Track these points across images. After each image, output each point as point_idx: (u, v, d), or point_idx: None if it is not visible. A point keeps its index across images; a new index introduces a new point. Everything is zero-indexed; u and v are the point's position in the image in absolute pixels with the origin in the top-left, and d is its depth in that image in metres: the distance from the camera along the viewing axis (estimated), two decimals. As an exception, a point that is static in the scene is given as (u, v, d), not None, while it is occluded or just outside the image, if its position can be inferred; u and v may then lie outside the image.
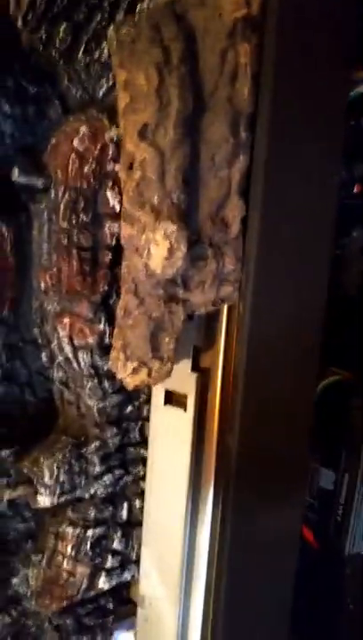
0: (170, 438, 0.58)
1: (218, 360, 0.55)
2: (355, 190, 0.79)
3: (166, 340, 0.48)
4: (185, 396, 0.56)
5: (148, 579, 0.62)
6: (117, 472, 0.69)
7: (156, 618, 0.62)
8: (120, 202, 0.58)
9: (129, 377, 0.49)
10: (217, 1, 0.43)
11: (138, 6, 0.51)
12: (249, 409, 0.53)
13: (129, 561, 0.73)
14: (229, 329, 0.54)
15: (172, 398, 0.58)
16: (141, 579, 0.64)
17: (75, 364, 0.65)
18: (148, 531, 0.62)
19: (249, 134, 0.46)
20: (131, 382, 0.49)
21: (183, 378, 0.56)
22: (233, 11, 0.43)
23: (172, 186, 0.44)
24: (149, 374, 0.49)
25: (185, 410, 0.56)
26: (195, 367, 0.55)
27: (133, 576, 0.73)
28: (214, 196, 0.46)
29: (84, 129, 0.58)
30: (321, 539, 0.74)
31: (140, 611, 0.64)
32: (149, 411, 0.69)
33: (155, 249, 0.43)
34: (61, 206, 0.59)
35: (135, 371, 0.48)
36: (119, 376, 0.49)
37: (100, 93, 0.60)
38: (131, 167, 0.44)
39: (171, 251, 0.44)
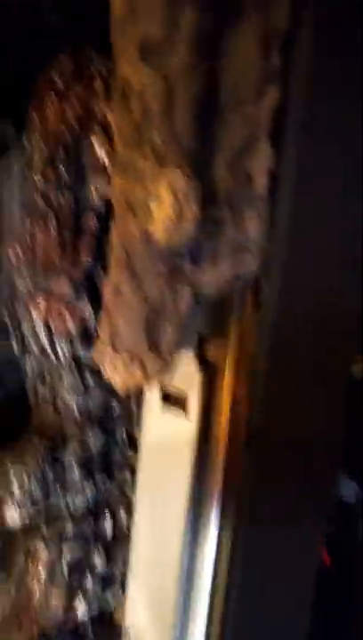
0: (167, 447, 0.47)
1: (229, 351, 0.44)
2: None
3: (167, 328, 0.37)
4: (186, 397, 0.46)
5: (134, 609, 0.53)
6: (100, 479, 0.59)
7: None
8: (109, 151, 0.47)
9: (118, 374, 0.38)
10: None
11: None
12: (269, 414, 0.42)
13: (112, 581, 0.63)
14: (245, 312, 0.43)
15: (170, 398, 0.48)
16: (128, 608, 0.54)
17: (51, 355, 0.54)
18: (136, 553, 0.52)
19: (283, 59, 0.35)
20: (121, 382, 0.39)
21: (184, 374, 0.45)
22: None
23: (181, 123, 0.33)
24: (144, 371, 0.38)
25: (186, 413, 0.46)
26: (199, 361, 0.45)
27: (116, 597, 0.64)
28: (236, 139, 0.35)
29: (65, 60, 0.47)
30: (337, 556, 0.64)
31: (125, 644, 0.55)
32: (138, 407, 0.59)
33: (157, 207, 0.32)
34: (36, 157, 0.47)
35: (126, 367, 0.37)
36: (107, 374, 0.38)
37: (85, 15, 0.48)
38: (126, 97, 0.33)
39: (178, 211, 0.33)
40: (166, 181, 0.32)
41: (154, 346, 0.37)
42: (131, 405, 0.60)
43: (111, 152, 0.47)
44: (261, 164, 0.36)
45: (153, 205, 0.33)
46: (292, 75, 0.36)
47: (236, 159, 0.36)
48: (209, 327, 0.45)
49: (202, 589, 0.48)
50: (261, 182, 0.36)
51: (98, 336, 0.40)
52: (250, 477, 0.44)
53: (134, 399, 0.59)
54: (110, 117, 0.47)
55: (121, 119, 0.33)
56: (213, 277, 0.38)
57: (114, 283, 0.37)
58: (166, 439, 0.48)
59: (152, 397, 0.48)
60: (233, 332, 0.44)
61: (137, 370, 0.38)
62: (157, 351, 0.37)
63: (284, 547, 0.50)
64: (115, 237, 0.36)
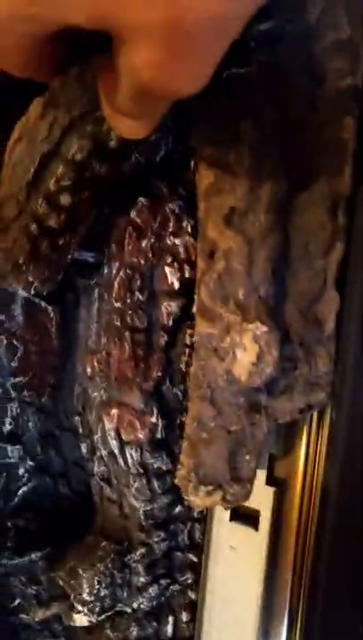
0: (236, 559, 0.49)
1: (297, 469, 0.47)
2: None
3: (247, 457, 0.40)
4: (257, 512, 0.48)
5: None
6: (163, 582, 0.61)
7: None
8: (179, 279, 0.53)
9: (199, 499, 0.41)
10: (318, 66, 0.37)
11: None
12: (337, 533, 0.44)
13: None
14: (311, 433, 0.47)
15: (239, 513, 0.50)
16: None
17: (120, 460, 0.57)
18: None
19: (347, 219, 0.39)
20: (201, 504, 0.42)
21: (256, 490, 0.48)
22: (337, 78, 0.37)
23: (260, 278, 0.38)
24: (224, 497, 0.41)
25: (256, 529, 0.48)
26: (270, 479, 0.47)
27: None
28: (307, 289, 0.39)
29: (142, 199, 0.53)
30: None
31: None
32: (199, 512, 0.61)
33: (241, 354, 0.36)
34: (115, 284, 0.53)
35: (208, 494, 0.40)
36: (188, 497, 0.41)
37: (158, 158, 0.54)
38: (212, 256, 0.38)
39: (260, 356, 0.37)
40: (251, 333, 0.37)
41: (236, 475, 0.40)
42: (194, 510, 0.62)
43: (180, 281, 0.52)
44: (329, 308, 0.40)
45: (239, 352, 0.37)
46: (353, 230, 0.40)
47: (307, 305, 0.40)
48: (279, 447, 0.48)
49: None
50: (330, 325, 0.40)
51: (180, 463, 0.43)
52: (323, 593, 0.46)
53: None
54: (181, 251, 0.52)
55: (208, 275, 0.38)
56: (287, 408, 0.42)
57: (197, 416, 0.40)
58: (235, 552, 0.50)
59: (222, 511, 0.51)
60: (301, 449, 0.47)
61: (218, 496, 0.41)
62: (239, 480, 0.40)
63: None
64: (198, 375, 0.40)
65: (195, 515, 0.62)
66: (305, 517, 0.48)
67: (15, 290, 0.52)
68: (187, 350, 0.53)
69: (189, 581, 0.63)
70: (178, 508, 0.61)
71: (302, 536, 0.48)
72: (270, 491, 0.48)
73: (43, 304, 0.54)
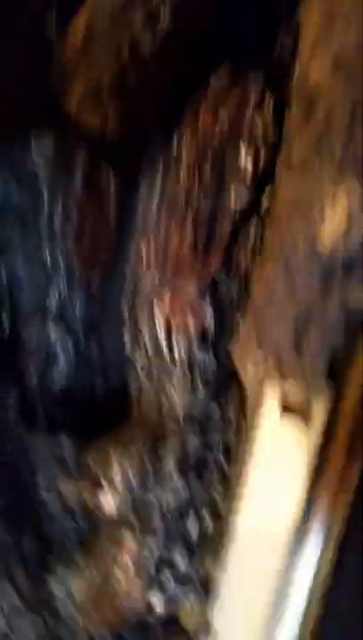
0: (281, 455, 0.48)
1: (358, 368, 0.45)
2: None
3: (313, 333, 0.38)
4: (309, 407, 0.46)
5: (222, 609, 0.53)
6: (192, 480, 0.60)
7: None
8: (253, 165, 0.49)
9: (251, 367, 0.39)
10: None
11: None
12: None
13: (191, 584, 0.64)
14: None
15: (289, 407, 0.49)
16: (215, 607, 0.55)
17: (165, 351, 0.56)
18: (235, 556, 0.53)
19: None
20: (251, 375, 0.40)
21: (309, 384, 0.46)
22: None
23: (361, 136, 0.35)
24: (280, 369, 0.39)
25: (307, 424, 0.47)
26: (329, 373, 0.45)
27: (191, 603, 0.64)
28: None
29: (223, 72, 0.49)
30: None
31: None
32: (236, 414, 0.60)
33: (332, 210, 0.34)
34: (184, 158, 0.49)
35: (264, 361, 0.39)
36: (238, 364, 0.39)
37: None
38: (312, 102, 0.34)
39: (350, 218, 0.34)
40: (345, 187, 0.34)
41: (298, 346, 0.38)
42: (229, 410, 0.61)
43: (255, 165, 0.49)
44: None
45: (328, 207, 0.34)
46: None
47: None
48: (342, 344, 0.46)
49: (296, 601, 0.49)
50: None
51: (241, 328, 0.41)
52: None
53: (236, 409, 0.61)
54: (260, 129, 0.49)
55: (304, 122, 0.35)
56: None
57: (268, 279, 0.38)
58: (281, 446, 0.49)
59: (271, 403, 0.49)
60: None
61: (273, 366, 0.39)
62: (299, 352, 0.38)
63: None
64: (274, 235, 0.38)
65: (231, 417, 0.61)
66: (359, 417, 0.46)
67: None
68: (249, 247, 0.51)
69: (218, 484, 0.63)
70: (213, 407, 0.60)
71: (357, 437, 0.46)
72: (328, 384, 0.46)
73: (104, 164, 0.51)
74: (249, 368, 0.41)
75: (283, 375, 0.40)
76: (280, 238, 0.37)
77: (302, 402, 0.47)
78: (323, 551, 0.48)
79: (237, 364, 0.41)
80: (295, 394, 0.48)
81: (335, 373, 0.46)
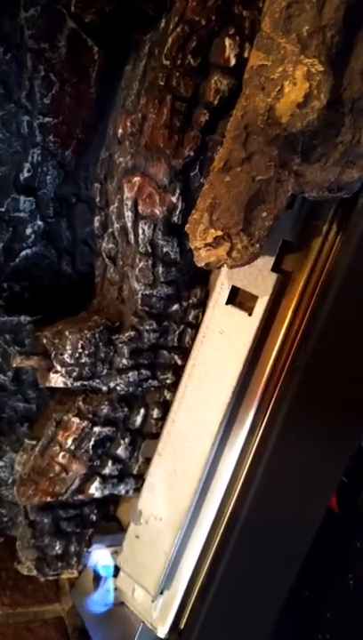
0: (223, 343, 0.53)
1: (306, 265, 0.49)
2: None
3: (264, 214, 0.42)
4: (254, 299, 0.51)
5: (152, 494, 0.59)
6: (144, 372, 0.65)
7: (149, 537, 0.59)
8: (237, 55, 0.52)
9: (205, 249, 0.43)
10: None
11: None
12: (331, 329, 0.47)
13: (128, 474, 0.70)
14: (330, 233, 0.48)
15: (236, 298, 0.53)
16: (144, 492, 0.61)
17: (131, 236, 0.60)
18: (167, 441, 0.58)
19: None
20: (204, 257, 0.44)
21: (258, 276, 0.51)
22: None
23: (330, 20, 0.38)
24: (230, 252, 0.43)
25: (250, 314, 0.51)
26: (277, 267, 0.50)
27: (127, 491, 0.71)
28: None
29: None
30: (347, 504, 0.70)
31: (132, 526, 0.62)
32: (194, 316, 0.65)
33: (289, 88, 0.37)
34: (169, 40, 0.52)
35: (216, 241, 0.43)
36: (193, 244, 0.44)
37: None
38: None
39: (307, 96, 0.37)
40: (305, 68, 0.37)
41: (249, 229, 0.42)
42: (189, 312, 0.66)
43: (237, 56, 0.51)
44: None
45: (287, 85, 0.38)
46: None
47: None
48: (295, 236, 0.50)
49: (221, 480, 0.54)
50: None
51: (195, 208, 0.45)
52: (299, 387, 0.50)
53: (193, 307, 0.65)
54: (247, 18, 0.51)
55: (276, 4, 0.38)
56: (317, 178, 0.43)
57: (225, 157, 0.42)
58: (224, 334, 0.53)
59: (220, 294, 0.54)
60: (317, 244, 0.49)
61: (224, 249, 0.44)
62: (249, 232, 0.42)
63: (303, 467, 0.55)
64: (238, 112, 0.41)
65: (189, 319, 0.66)
66: (301, 315, 0.51)
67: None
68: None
69: (169, 381, 0.68)
70: (174, 306, 0.65)
71: (293, 331, 0.51)
72: (274, 277, 0.50)
73: (90, 42, 0.54)
74: (201, 252, 0.45)
75: (232, 260, 0.44)
76: (243, 115, 0.40)
77: (248, 295, 0.52)
78: (251, 436, 0.53)
79: (191, 246, 0.45)
80: (243, 284, 0.52)
81: (284, 272, 0.51)
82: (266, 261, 0.50)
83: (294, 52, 0.37)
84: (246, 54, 0.52)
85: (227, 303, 0.53)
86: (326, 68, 0.38)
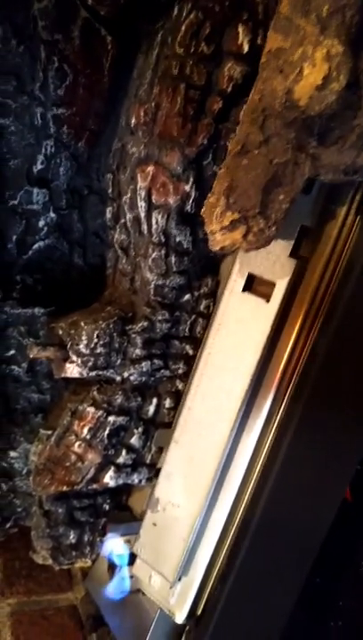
0: (240, 330, 0.53)
1: (324, 251, 0.49)
2: None
3: (281, 197, 0.42)
4: (272, 285, 0.51)
5: (169, 481, 0.59)
6: (157, 362, 0.65)
7: (166, 525, 0.58)
8: (250, 42, 0.52)
9: (221, 232, 0.43)
10: None
11: None
12: (350, 315, 0.47)
13: (142, 463, 0.70)
14: (348, 217, 0.48)
15: (253, 285, 0.53)
16: (161, 480, 0.61)
17: (144, 226, 0.60)
18: (184, 428, 0.58)
19: None
20: (219, 240, 0.44)
21: (276, 262, 0.50)
22: None
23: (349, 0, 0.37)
24: (246, 235, 0.43)
25: (267, 301, 0.51)
26: (295, 252, 0.49)
27: (140, 480, 0.70)
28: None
29: None
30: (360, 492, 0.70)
31: (149, 514, 0.61)
32: (205, 306, 0.64)
33: (309, 70, 0.37)
34: (183, 27, 0.52)
35: (232, 224, 0.42)
36: (209, 228, 0.43)
37: None
38: None
39: (327, 78, 0.37)
40: (325, 49, 0.37)
41: (266, 211, 0.42)
42: (201, 302, 0.65)
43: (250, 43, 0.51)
44: None
45: (306, 67, 0.37)
46: None
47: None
48: (313, 221, 0.50)
49: (239, 467, 0.54)
50: None
51: (211, 191, 0.45)
52: (319, 373, 0.49)
53: (204, 296, 0.65)
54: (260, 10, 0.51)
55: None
56: (334, 161, 0.43)
57: (243, 140, 0.41)
58: (241, 322, 0.53)
59: (236, 281, 0.53)
60: (335, 230, 0.49)
61: (240, 232, 0.43)
62: (266, 215, 0.42)
63: (320, 454, 0.54)
64: (255, 96, 0.41)
65: (201, 308, 0.66)
66: (319, 301, 0.50)
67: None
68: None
69: (181, 371, 0.67)
70: (186, 296, 0.65)
71: (311, 317, 0.51)
72: (292, 263, 0.50)
73: (103, 31, 0.53)
74: (217, 235, 0.44)
75: (248, 244, 0.44)
76: (261, 97, 0.40)
77: (265, 281, 0.52)
78: (268, 424, 0.53)
79: (207, 230, 0.45)
80: (260, 271, 0.52)
81: (300, 254, 0.50)
82: (284, 247, 0.49)
83: (313, 33, 0.37)
84: (259, 41, 0.51)
85: (243, 290, 0.52)
86: (345, 49, 0.37)
